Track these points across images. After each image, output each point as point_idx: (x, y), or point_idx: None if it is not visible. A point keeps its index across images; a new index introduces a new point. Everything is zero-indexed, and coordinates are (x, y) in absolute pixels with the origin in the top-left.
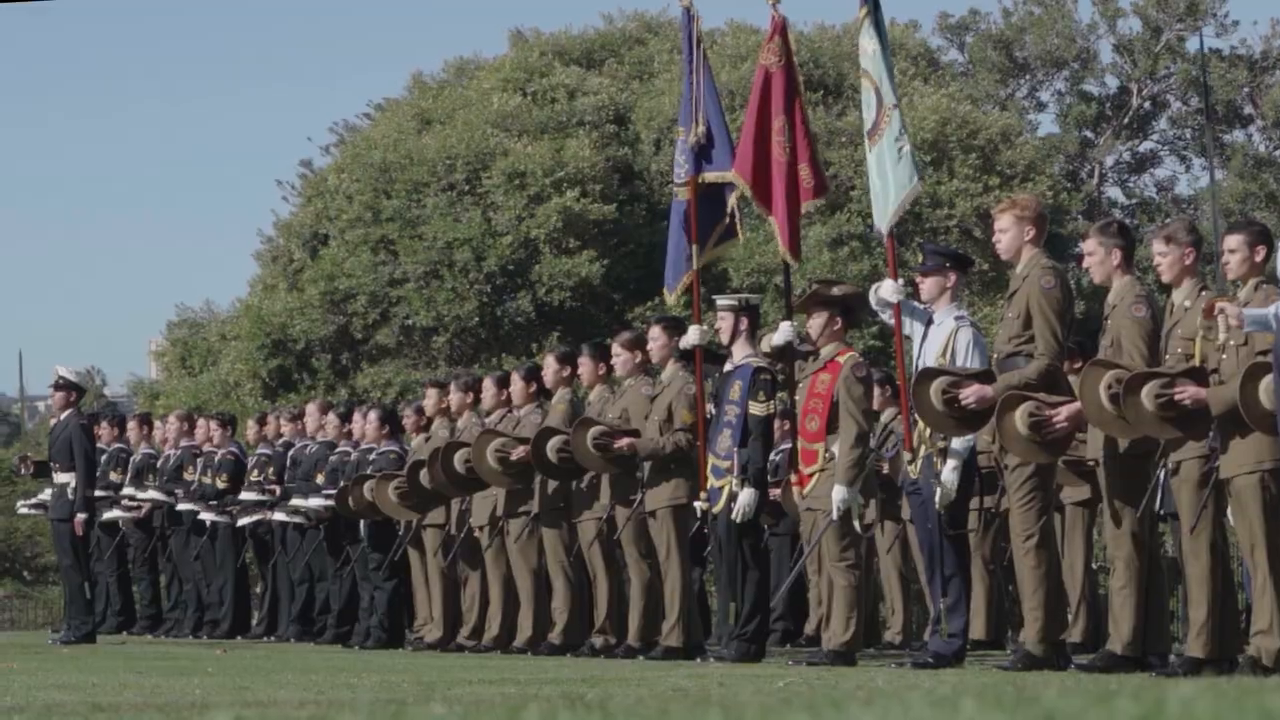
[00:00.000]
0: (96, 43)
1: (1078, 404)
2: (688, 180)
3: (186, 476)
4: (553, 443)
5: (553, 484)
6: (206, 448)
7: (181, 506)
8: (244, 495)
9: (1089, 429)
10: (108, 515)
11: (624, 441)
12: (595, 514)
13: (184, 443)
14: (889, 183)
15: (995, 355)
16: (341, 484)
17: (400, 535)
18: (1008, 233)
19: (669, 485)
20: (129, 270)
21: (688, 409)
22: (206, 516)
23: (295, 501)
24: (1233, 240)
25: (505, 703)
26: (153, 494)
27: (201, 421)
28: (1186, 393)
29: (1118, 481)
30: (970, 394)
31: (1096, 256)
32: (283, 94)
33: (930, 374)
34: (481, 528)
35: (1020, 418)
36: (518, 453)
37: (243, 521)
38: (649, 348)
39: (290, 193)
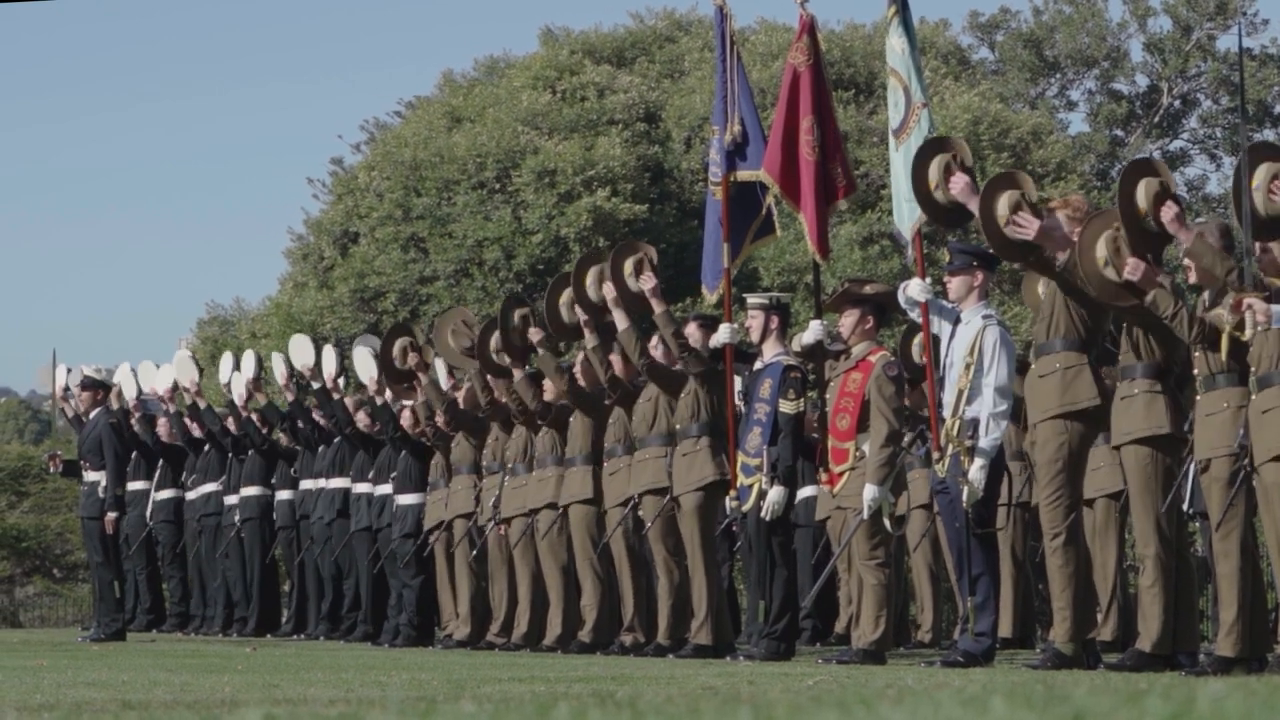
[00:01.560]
0: (126, 40)
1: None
2: (722, 179)
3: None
4: (565, 295)
5: (583, 480)
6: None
7: (203, 491)
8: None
9: (1112, 428)
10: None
11: (653, 281)
12: (620, 503)
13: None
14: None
15: (1033, 344)
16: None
17: (427, 531)
18: (1059, 230)
19: (695, 468)
20: (159, 268)
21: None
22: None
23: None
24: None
25: (535, 700)
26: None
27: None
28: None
29: (1146, 479)
30: (958, 183)
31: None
32: (313, 92)
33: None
34: (510, 521)
35: (1106, 241)
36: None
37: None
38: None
39: (321, 190)
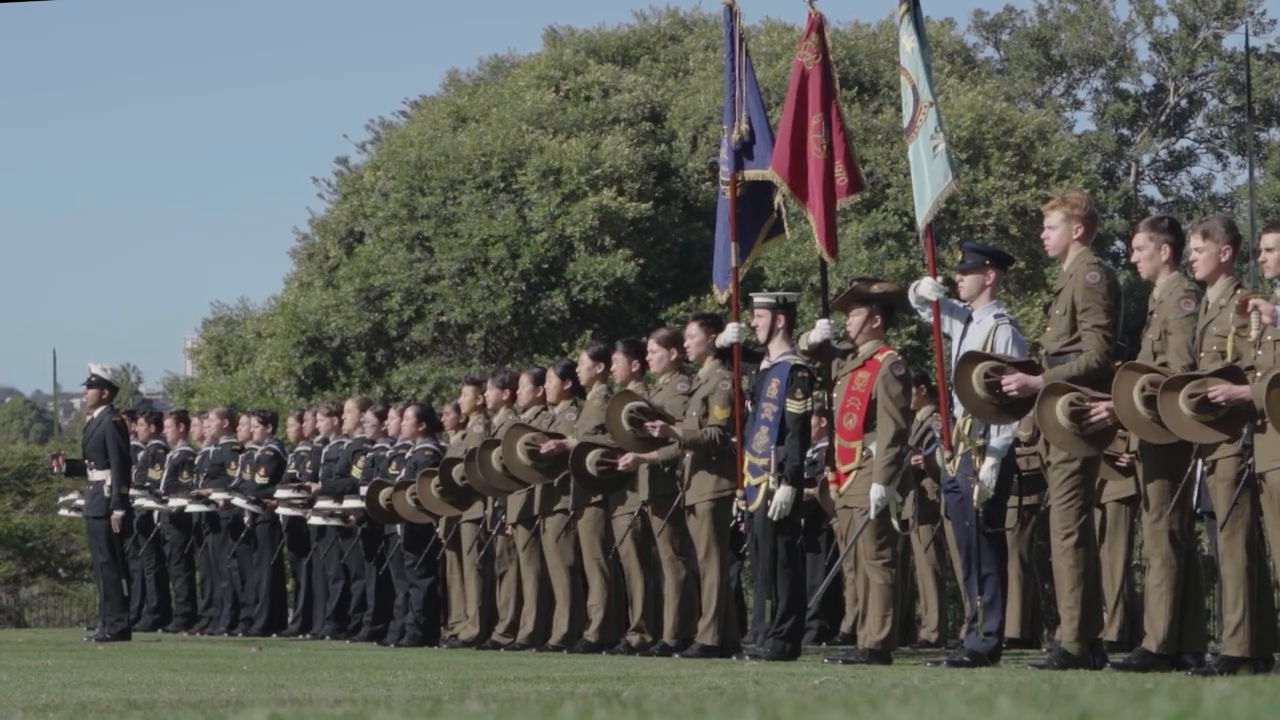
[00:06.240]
0: (128, 40)
1: None
2: (730, 178)
3: (229, 473)
4: (592, 456)
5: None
6: (248, 445)
7: (219, 495)
8: (280, 494)
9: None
10: (144, 503)
11: (658, 423)
12: (629, 508)
13: (224, 439)
14: (925, 179)
15: (1044, 352)
16: (375, 479)
17: (437, 534)
18: (1056, 230)
19: (710, 480)
20: (164, 268)
21: (721, 405)
22: (249, 509)
23: (326, 504)
24: (1270, 238)
25: (541, 700)
26: (223, 495)
27: (243, 419)
28: (1219, 390)
29: (1156, 478)
30: (1013, 381)
31: (1145, 251)
32: (319, 92)
33: (974, 358)
34: (516, 525)
35: (1061, 408)
36: (547, 446)
37: (282, 511)
38: (687, 344)
39: (326, 190)
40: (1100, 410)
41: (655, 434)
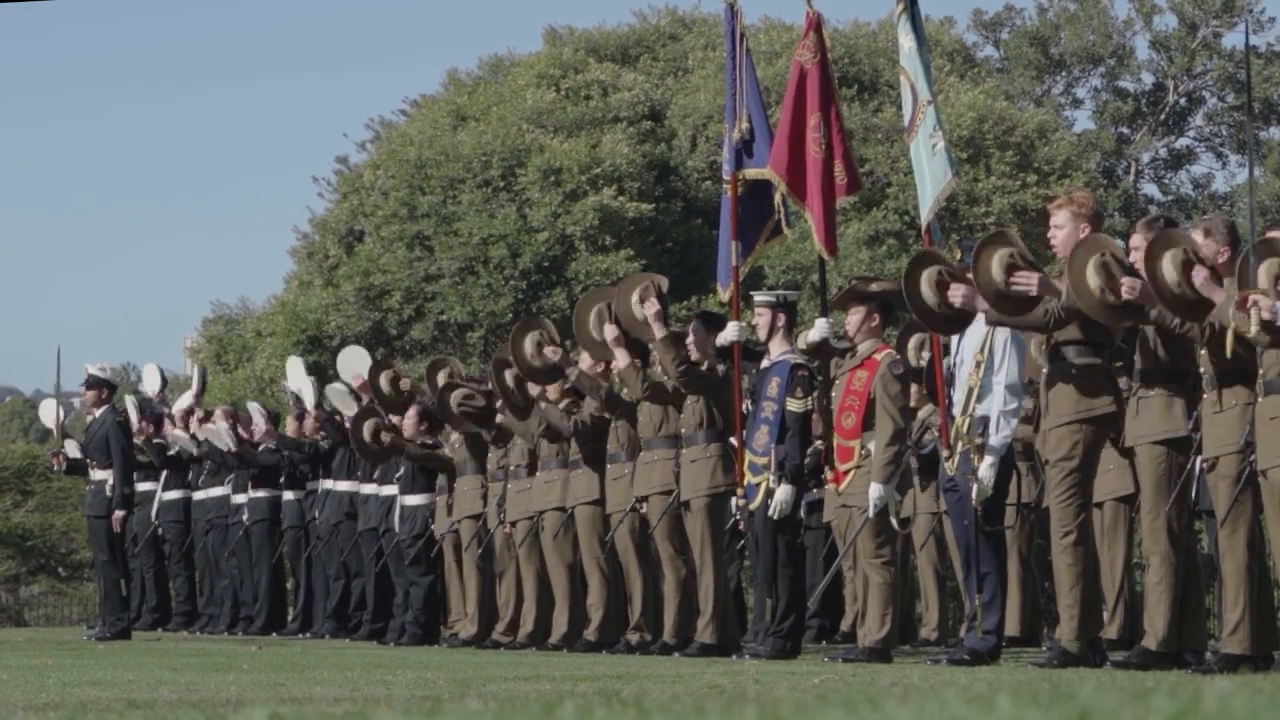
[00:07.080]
0: (128, 40)
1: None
2: (730, 177)
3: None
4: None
5: (588, 480)
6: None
7: (219, 489)
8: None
9: (1126, 429)
10: (179, 442)
11: (558, 350)
12: (627, 506)
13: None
14: (925, 178)
15: (1044, 346)
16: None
17: (433, 530)
18: (1063, 229)
19: (705, 476)
20: (165, 267)
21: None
22: (231, 446)
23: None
24: (1272, 236)
25: (540, 699)
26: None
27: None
28: (1202, 274)
29: (1154, 475)
30: (957, 292)
31: (1142, 251)
32: (319, 92)
33: (926, 259)
34: (515, 523)
35: (1094, 266)
36: (551, 348)
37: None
38: (688, 343)
39: (326, 189)
40: (1134, 284)
41: (555, 359)
